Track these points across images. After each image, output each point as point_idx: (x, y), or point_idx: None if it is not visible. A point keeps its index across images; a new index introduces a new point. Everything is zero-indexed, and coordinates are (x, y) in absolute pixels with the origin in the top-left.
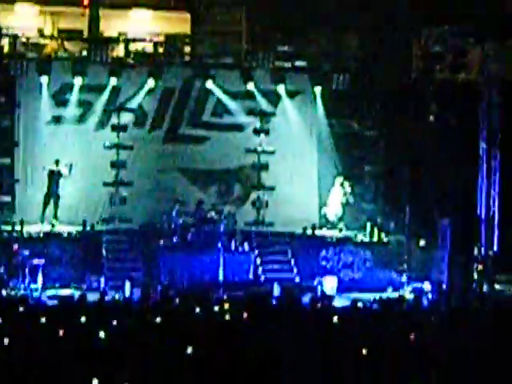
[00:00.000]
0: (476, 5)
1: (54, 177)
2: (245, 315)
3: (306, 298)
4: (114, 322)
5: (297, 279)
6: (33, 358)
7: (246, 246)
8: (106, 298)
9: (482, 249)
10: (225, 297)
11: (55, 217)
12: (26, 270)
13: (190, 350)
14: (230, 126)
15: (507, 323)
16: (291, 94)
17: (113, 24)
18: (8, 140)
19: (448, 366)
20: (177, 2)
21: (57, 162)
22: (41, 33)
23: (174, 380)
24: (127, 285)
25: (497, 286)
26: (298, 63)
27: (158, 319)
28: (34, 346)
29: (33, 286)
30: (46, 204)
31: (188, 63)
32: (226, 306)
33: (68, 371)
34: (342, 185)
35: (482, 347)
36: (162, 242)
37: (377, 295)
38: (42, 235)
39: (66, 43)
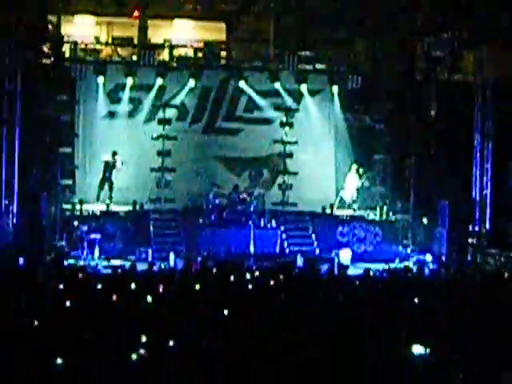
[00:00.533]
0: (472, 15)
1: (109, 167)
2: (271, 282)
3: (325, 267)
4: (160, 289)
5: (317, 251)
6: (90, 318)
7: (273, 223)
8: (153, 267)
9: (476, 226)
10: (255, 267)
11: (110, 198)
12: (85, 243)
13: (225, 312)
14: (260, 120)
15: (495, 289)
16: (312, 93)
17: (159, 32)
18: (69, 132)
19: (447, 326)
20: (213, 13)
21: (113, 154)
22: (97, 40)
23: (213, 336)
24: (171, 256)
25: (487, 259)
26: (318, 66)
27: (198, 286)
28: (90, 308)
29: (90, 257)
30: (101, 188)
31: (223, 66)
32: (256, 274)
33: (120, 329)
34: (356, 171)
35: (475, 309)
36: (201, 219)
37: (385, 265)
38: (98, 213)
39: (118, 49)
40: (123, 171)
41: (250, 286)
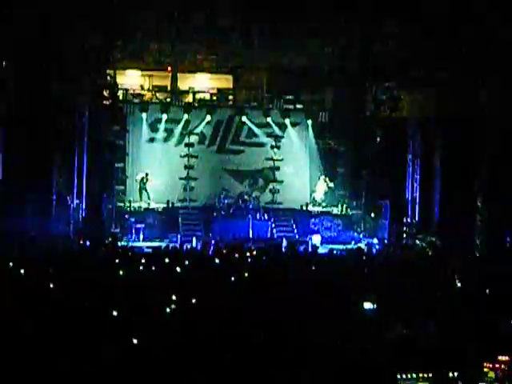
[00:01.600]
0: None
1: (142, 182)
2: (264, 258)
3: (302, 248)
4: (186, 262)
5: (296, 236)
6: (135, 283)
7: (266, 217)
8: (182, 247)
9: (409, 219)
10: (253, 247)
11: (149, 199)
12: (133, 230)
13: (233, 278)
14: (256, 144)
15: (422, 262)
16: (293, 124)
17: (185, 82)
18: (122, 152)
19: (388, 288)
20: (224, 69)
21: (146, 174)
22: (142, 87)
23: (227, 295)
24: (194, 240)
25: (416, 241)
26: (298, 106)
27: (217, 260)
28: (137, 277)
29: (136, 240)
30: (140, 194)
31: (231, 106)
32: (254, 252)
33: (156, 292)
34: (324, 180)
35: (407, 276)
36: (214, 214)
37: (344, 246)
38: (142, 209)
39: (157, 93)
40: (160, 178)
41: (249, 260)
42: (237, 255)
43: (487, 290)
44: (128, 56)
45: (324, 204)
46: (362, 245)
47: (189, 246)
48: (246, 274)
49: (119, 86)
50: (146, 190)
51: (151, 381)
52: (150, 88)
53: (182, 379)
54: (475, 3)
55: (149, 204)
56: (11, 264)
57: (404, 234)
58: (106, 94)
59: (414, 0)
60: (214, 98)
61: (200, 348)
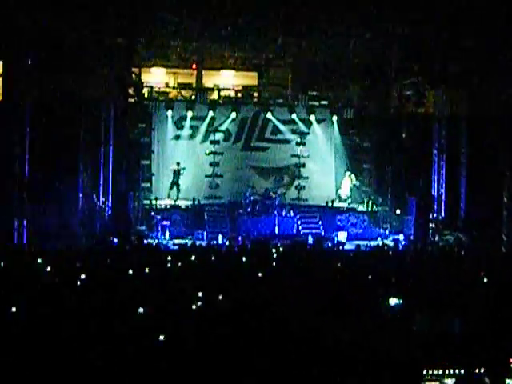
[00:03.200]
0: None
1: (176, 173)
2: (290, 254)
3: (328, 244)
4: (212, 258)
5: (322, 233)
6: (161, 279)
7: (292, 213)
8: (210, 243)
9: (435, 215)
10: (279, 244)
11: (177, 195)
12: (159, 227)
13: (260, 274)
14: (282, 141)
15: (447, 258)
16: (318, 121)
17: (210, 79)
18: (147, 150)
19: (413, 284)
20: (248, 66)
21: (178, 164)
22: (167, 85)
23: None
24: (220, 237)
25: (443, 237)
26: (323, 102)
27: (244, 257)
28: (163, 273)
29: (163, 237)
30: (171, 188)
31: (256, 103)
32: (280, 249)
33: (183, 286)
34: (349, 176)
35: (433, 272)
36: (240, 210)
37: (371, 242)
38: (168, 207)
39: (182, 91)
40: (186, 176)
41: (275, 256)
42: (263, 252)
43: None
44: (153, 54)
45: (350, 200)
46: (389, 241)
47: (215, 243)
48: (273, 271)
49: (144, 84)
50: (177, 185)
51: (177, 378)
52: (175, 85)
53: (210, 377)
54: (507, 2)
55: (175, 201)
56: (39, 260)
57: (430, 230)
58: (131, 91)
59: None
60: (239, 95)
61: (226, 345)
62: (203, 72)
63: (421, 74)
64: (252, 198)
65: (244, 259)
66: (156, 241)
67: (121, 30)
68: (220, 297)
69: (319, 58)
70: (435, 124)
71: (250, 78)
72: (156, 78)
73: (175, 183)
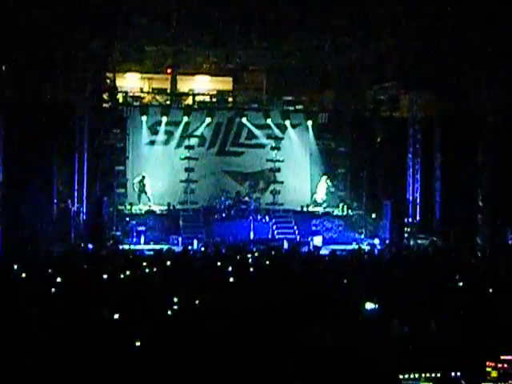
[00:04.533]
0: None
1: (141, 183)
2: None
3: (304, 249)
4: (187, 263)
5: (297, 237)
6: (137, 283)
7: (267, 218)
8: (187, 249)
9: (410, 219)
10: (254, 249)
11: (149, 201)
12: (134, 233)
13: (231, 279)
14: (257, 145)
15: (423, 261)
16: (293, 126)
17: (185, 84)
18: (122, 155)
19: (389, 288)
20: (223, 71)
21: (143, 177)
22: (141, 90)
23: (224, 294)
24: (195, 242)
25: (418, 241)
26: (298, 107)
27: (219, 262)
28: (137, 279)
29: (138, 242)
30: (139, 196)
31: (230, 108)
32: (256, 254)
33: (162, 291)
34: (325, 181)
35: (408, 275)
36: (215, 215)
37: (346, 247)
38: (143, 212)
39: (156, 96)
40: (161, 181)
41: (250, 261)
42: (238, 257)
43: (489, 289)
44: (127, 59)
45: (325, 205)
46: (364, 245)
47: (190, 249)
48: (247, 275)
49: (119, 89)
50: (145, 193)
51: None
52: (150, 91)
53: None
54: (473, 3)
55: (149, 206)
56: (15, 267)
57: (405, 234)
58: (105, 97)
59: (411, 1)
60: (214, 100)
61: (202, 349)
62: (178, 77)
63: (394, 78)
64: (227, 202)
65: (219, 264)
66: (131, 246)
67: (95, 34)
68: (196, 302)
69: (294, 63)
70: (410, 128)
71: (225, 83)
72: (130, 82)
73: (143, 191)
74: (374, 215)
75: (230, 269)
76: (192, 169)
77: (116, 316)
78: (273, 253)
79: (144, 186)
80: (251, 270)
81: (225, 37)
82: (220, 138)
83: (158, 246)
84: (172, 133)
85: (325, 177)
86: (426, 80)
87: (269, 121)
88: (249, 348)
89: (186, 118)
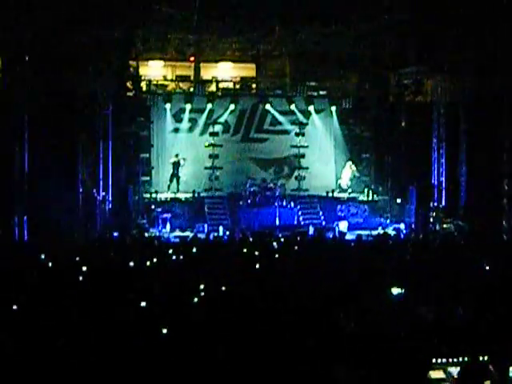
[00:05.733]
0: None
1: (175, 165)
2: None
3: (329, 234)
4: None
5: (323, 223)
6: (163, 271)
7: (292, 204)
8: (209, 236)
9: (435, 203)
10: (280, 235)
11: (177, 188)
12: (159, 220)
13: (257, 265)
14: (281, 132)
15: (449, 246)
16: (317, 111)
17: (208, 71)
18: (146, 143)
19: (415, 273)
20: (247, 57)
21: (176, 156)
22: (165, 78)
23: (249, 281)
24: (220, 229)
25: (443, 226)
26: (321, 92)
27: (245, 249)
28: (164, 266)
29: (163, 230)
30: (170, 181)
31: (254, 94)
32: (281, 240)
33: (184, 277)
34: (349, 166)
35: (434, 260)
36: (240, 202)
37: (372, 232)
38: (168, 199)
39: (180, 84)
40: (185, 168)
41: (275, 246)
42: (264, 243)
43: None
44: (151, 47)
45: (350, 190)
46: (390, 230)
47: (216, 236)
48: (275, 262)
49: (142, 77)
50: (177, 177)
51: (180, 370)
52: (174, 78)
53: (211, 368)
54: None
55: (175, 194)
56: (42, 256)
57: (431, 218)
58: (129, 85)
59: None
60: (238, 86)
61: (230, 336)
62: (201, 64)
63: (419, 62)
64: (252, 189)
65: (245, 251)
66: (157, 234)
67: (118, 23)
68: (222, 289)
69: (317, 48)
70: (434, 112)
71: (248, 70)
72: (154, 71)
73: (175, 175)
74: (399, 200)
75: (256, 255)
76: (216, 155)
77: (143, 304)
78: (298, 239)
79: (179, 166)
80: (277, 256)
81: (248, 23)
82: (244, 124)
83: (183, 234)
84: (196, 120)
85: (349, 162)
86: (450, 64)
87: (292, 107)
88: (275, 335)
89: (209, 105)
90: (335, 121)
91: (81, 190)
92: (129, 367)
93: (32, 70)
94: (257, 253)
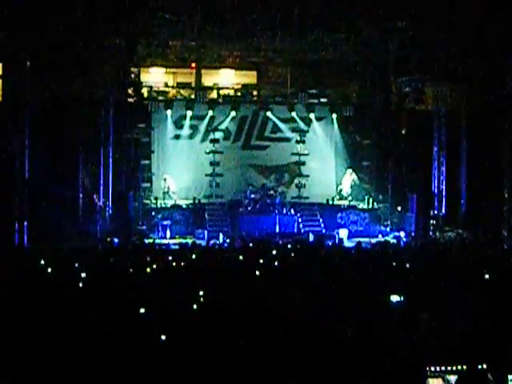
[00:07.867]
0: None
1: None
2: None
3: (329, 242)
4: (213, 257)
5: (323, 231)
6: (163, 277)
7: (292, 211)
8: (209, 243)
9: (435, 211)
10: (280, 242)
11: (174, 196)
12: (159, 227)
13: (257, 272)
14: (281, 139)
15: (448, 254)
16: (318, 119)
17: (209, 78)
18: (147, 149)
19: (415, 280)
20: (248, 64)
21: (164, 180)
22: (166, 84)
23: (249, 286)
24: (220, 236)
25: (444, 234)
26: (322, 100)
27: (241, 257)
28: (164, 271)
29: (163, 237)
30: (164, 195)
31: (255, 101)
32: (281, 247)
33: (184, 283)
34: (350, 174)
35: (434, 268)
36: (241, 209)
37: (372, 240)
38: (168, 206)
39: (181, 90)
40: (187, 175)
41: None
42: (263, 250)
43: None
44: (152, 53)
45: (350, 198)
46: (390, 238)
47: (215, 242)
48: (274, 269)
49: (143, 84)
50: (168, 194)
51: (178, 377)
52: (175, 85)
53: (210, 375)
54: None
55: (175, 201)
56: (42, 262)
57: (431, 226)
58: (130, 91)
59: None
60: (239, 93)
61: (228, 344)
62: (202, 71)
63: (420, 70)
64: (252, 196)
65: (245, 258)
66: (157, 240)
67: (119, 30)
68: (221, 296)
69: (318, 56)
70: (435, 120)
71: (250, 77)
72: (155, 77)
73: (166, 193)
74: (399, 208)
75: (255, 262)
76: (217, 162)
77: (142, 310)
78: (298, 246)
79: (168, 190)
80: (276, 263)
81: (249, 30)
82: (245, 131)
83: (183, 240)
84: (197, 127)
85: (350, 170)
86: (452, 73)
87: (293, 114)
88: (274, 341)
89: (210, 112)
90: (336, 128)
91: (81, 195)
92: (127, 374)
93: (33, 76)
94: (256, 260)
